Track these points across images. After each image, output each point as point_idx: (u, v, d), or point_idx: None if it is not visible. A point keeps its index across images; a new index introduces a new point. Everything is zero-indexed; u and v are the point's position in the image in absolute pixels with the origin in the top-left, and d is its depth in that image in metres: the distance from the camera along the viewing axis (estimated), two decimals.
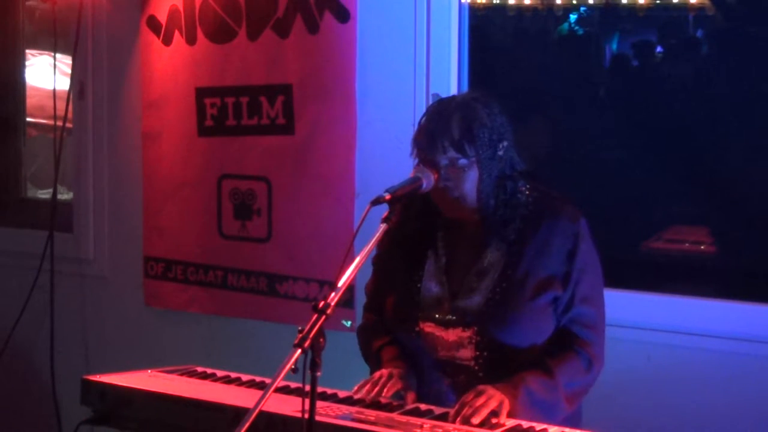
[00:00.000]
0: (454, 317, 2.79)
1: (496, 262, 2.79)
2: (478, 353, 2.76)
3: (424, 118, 2.82)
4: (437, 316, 2.82)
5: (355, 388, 2.80)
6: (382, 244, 2.96)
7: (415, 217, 2.88)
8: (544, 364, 2.72)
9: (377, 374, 2.81)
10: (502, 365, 2.73)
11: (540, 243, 2.77)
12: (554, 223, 2.78)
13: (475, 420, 2.54)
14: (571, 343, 2.77)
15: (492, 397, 2.60)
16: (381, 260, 3.01)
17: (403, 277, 2.90)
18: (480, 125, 2.74)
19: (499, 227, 2.78)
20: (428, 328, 2.83)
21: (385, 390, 2.75)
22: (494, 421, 2.57)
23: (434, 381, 2.83)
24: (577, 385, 2.76)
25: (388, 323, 2.94)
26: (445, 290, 2.83)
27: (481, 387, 2.64)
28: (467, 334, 2.77)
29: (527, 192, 2.83)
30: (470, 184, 2.75)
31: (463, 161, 2.73)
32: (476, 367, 2.76)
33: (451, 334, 2.79)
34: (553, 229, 2.77)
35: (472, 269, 2.81)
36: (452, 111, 2.76)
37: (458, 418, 2.56)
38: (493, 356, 2.75)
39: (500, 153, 2.78)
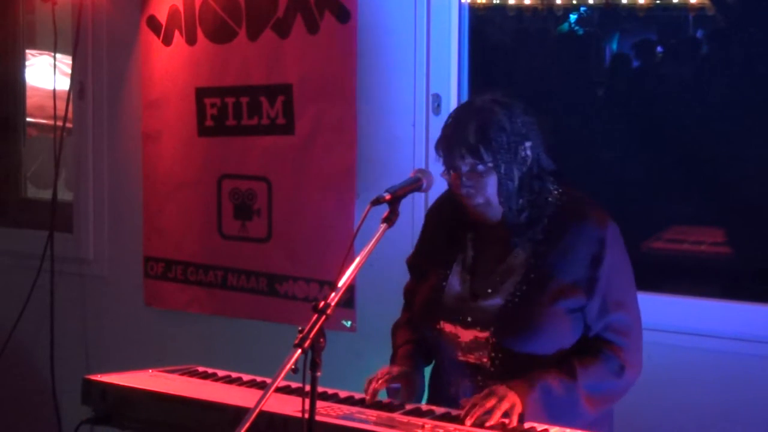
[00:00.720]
0: (472, 318, 2.78)
1: (521, 264, 2.77)
2: (493, 355, 2.75)
3: (445, 124, 2.80)
4: (457, 316, 2.81)
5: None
6: (419, 244, 3.00)
7: (447, 218, 2.89)
8: (567, 365, 2.70)
9: (379, 371, 2.83)
10: (517, 367, 2.71)
11: (565, 247, 2.73)
12: (580, 228, 2.73)
13: (488, 424, 2.53)
14: (603, 348, 2.74)
15: (504, 398, 2.58)
16: (415, 261, 3.02)
17: (432, 276, 2.90)
18: (498, 129, 2.71)
19: (524, 228, 2.76)
20: (448, 327, 2.82)
21: (380, 383, 2.77)
22: (490, 423, 2.55)
23: (453, 380, 2.83)
24: (603, 389, 2.72)
25: (414, 322, 2.96)
26: (467, 289, 2.82)
27: (493, 387, 2.63)
28: (484, 335, 2.76)
29: (557, 194, 2.79)
30: (492, 188, 2.73)
31: (481, 167, 2.71)
32: (492, 369, 2.75)
33: (469, 335, 2.78)
34: (579, 233, 2.73)
35: (497, 270, 2.80)
36: (470, 117, 2.74)
37: (468, 419, 2.55)
38: (508, 358, 2.73)
39: (523, 154, 2.75)
